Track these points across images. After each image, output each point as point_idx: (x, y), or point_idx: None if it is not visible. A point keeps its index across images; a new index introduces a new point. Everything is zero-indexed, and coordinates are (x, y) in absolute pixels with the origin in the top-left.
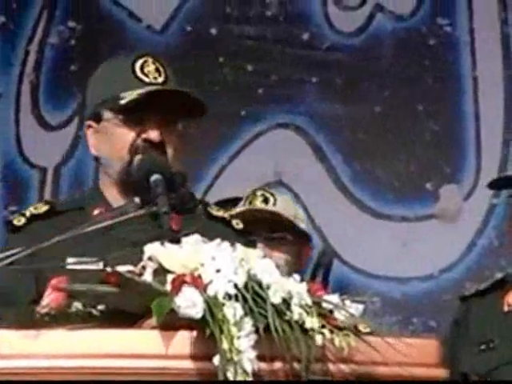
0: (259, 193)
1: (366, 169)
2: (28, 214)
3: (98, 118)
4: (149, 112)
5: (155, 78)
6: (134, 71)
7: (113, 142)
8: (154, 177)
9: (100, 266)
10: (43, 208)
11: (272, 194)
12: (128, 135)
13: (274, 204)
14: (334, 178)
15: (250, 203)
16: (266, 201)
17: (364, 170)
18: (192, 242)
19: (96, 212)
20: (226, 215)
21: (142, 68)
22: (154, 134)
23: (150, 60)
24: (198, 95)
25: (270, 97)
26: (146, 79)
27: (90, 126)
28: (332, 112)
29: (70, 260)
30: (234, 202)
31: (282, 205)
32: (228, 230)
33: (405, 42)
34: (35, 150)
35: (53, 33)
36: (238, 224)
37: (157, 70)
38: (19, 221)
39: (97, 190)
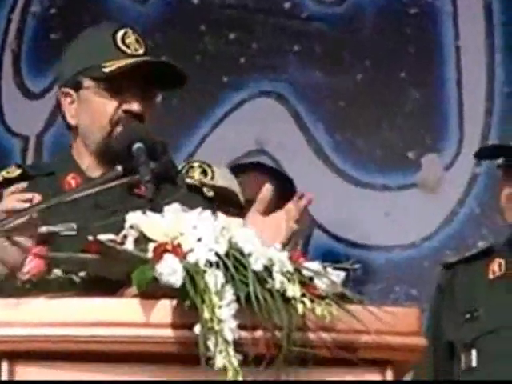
0: (196, 164)
1: (348, 138)
2: (0, 178)
3: (77, 87)
4: (130, 82)
5: (136, 50)
6: (115, 42)
7: (93, 111)
8: (136, 146)
9: (73, 233)
10: (16, 172)
11: (209, 166)
12: (109, 105)
13: (213, 177)
14: (315, 148)
15: (187, 174)
16: (204, 173)
17: (346, 140)
18: (173, 210)
19: (69, 178)
20: (197, 183)
21: (123, 39)
22: (135, 106)
23: (130, 31)
24: (180, 66)
25: (252, 66)
26: (128, 50)
27: (67, 94)
28: (313, 81)
29: (43, 229)
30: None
31: (221, 177)
32: (198, 197)
33: (386, 11)
34: (17, 119)
35: (34, 1)
36: (208, 191)
37: (137, 41)
38: None
39: (69, 157)
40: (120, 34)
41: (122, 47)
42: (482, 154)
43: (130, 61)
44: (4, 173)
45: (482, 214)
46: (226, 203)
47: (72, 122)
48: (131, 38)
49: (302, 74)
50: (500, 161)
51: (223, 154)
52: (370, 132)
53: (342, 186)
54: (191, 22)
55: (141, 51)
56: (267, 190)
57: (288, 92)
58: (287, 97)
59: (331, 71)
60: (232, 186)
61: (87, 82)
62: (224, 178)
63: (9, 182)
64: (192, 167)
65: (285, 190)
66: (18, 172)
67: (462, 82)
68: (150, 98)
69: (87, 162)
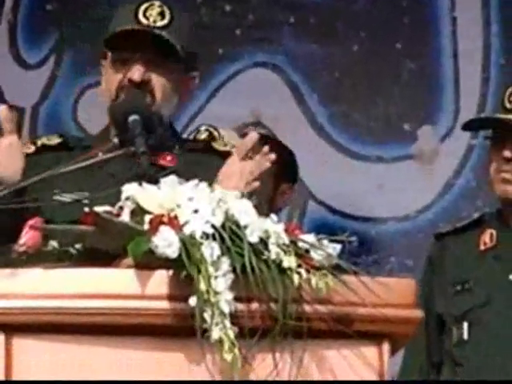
0: (203, 128)
1: (343, 110)
2: (39, 143)
3: (104, 56)
4: (135, 52)
5: (154, 22)
6: (136, 12)
7: (106, 80)
8: (132, 117)
9: (86, 201)
10: (56, 140)
11: (215, 129)
12: (116, 75)
13: (220, 139)
14: (310, 120)
15: (195, 138)
16: (210, 136)
17: (341, 112)
18: (169, 182)
19: (97, 150)
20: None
21: (145, 10)
22: (135, 74)
23: (157, 4)
24: (174, 40)
25: (248, 37)
26: (145, 21)
27: (101, 65)
28: (308, 53)
29: (57, 195)
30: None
31: (230, 138)
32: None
33: None
34: (13, 90)
35: None
36: (220, 146)
37: (160, 13)
38: (29, 148)
39: (105, 129)
40: (145, 5)
41: (141, 18)
42: (471, 126)
43: (126, 27)
44: (44, 139)
45: (478, 186)
46: None
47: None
48: (155, 11)
49: (298, 45)
50: (488, 133)
51: (219, 125)
52: (365, 104)
53: (337, 157)
54: None
55: (159, 23)
56: (251, 138)
57: (283, 63)
58: (283, 68)
59: (326, 43)
60: None
61: (107, 52)
62: (234, 139)
63: (47, 148)
64: (199, 131)
65: (287, 165)
66: (57, 140)
67: (457, 54)
68: (159, 67)
69: (112, 131)
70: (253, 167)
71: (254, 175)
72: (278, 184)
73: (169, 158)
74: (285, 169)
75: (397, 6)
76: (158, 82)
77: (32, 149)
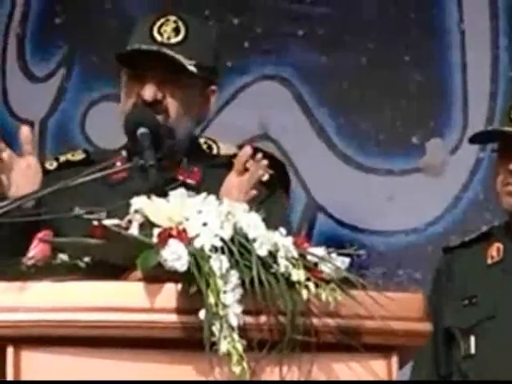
0: (202, 140)
1: (351, 122)
2: (62, 159)
3: (120, 71)
4: (147, 70)
5: (168, 38)
6: (151, 28)
7: (123, 96)
8: (141, 130)
9: (103, 216)
10: (80, 156)
11: (214, 142)
12: (132, 92)
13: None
14: (318, 131)
15: None
16: (209, 148)
17: (349, 123)
18: (178, 195)
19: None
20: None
21: (160, 26)
22: (146, 94)
23: (172, 19)
24: (183, 59)
25: (256, 50)
26: (159, 38)
27: (120, 82)
28: (317, 65)
29: (77, 210)
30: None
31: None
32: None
33: None
34: (22, 103)
35: None
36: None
37: (175, 29)
38: (51, 165)
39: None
40: (160, 21)
41: (155, 34)
42: (478, 139)
43: (136, 46)
44: (69, 155)
45: (486, 199)
46: None
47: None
48: (169, 27)
49: (306, 57)
50: (495, 146)
51: (227, 139)
52: (373, 116)
53: (345, 170)
54: (195, 7)
55: (173, 40)
56: (245, 152)
57: (291, 75)
58: (291, 80)
59: (334, 54)
60: None
61: (123, 70)
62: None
63: (70, 164)
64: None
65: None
66: (81, 156)
67: (466, 66)
68: (171, 83)
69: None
70: (249, 178)
71: (251, 184)
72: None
73: (189, 173)
74: (276, 178)
75: (405, 18)
76: (171, 99)
77: (54, 165)
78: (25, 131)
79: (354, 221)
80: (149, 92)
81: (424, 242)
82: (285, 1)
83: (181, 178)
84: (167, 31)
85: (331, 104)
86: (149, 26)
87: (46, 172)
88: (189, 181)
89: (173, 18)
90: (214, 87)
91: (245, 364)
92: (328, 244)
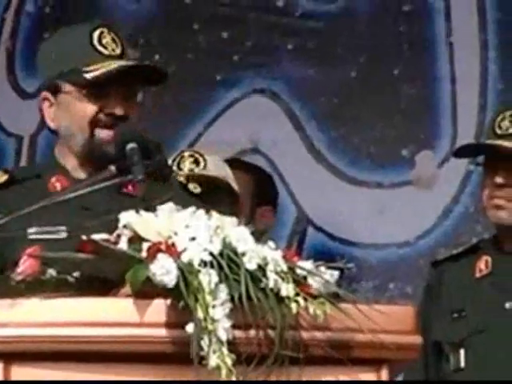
0: (187, 154)
1: (342, 135)
2: None
3: (55, 90)
4: (113, 86)
5: (113, 50)
6: (92, 43)
7: (72, 114)
8: (130, 145)
9: (63, 235)
10: (3, 177)
11: (201, 155)
12: (89, 108)
13: (205, 166)
14: (309, 145)
15: (179, 165)
16: (196, 162)
17: (339, 137)
18: (167, 209)
19: (53, 180)
20: (182, 179)
21: (99, 39)
22: (118, 109)
23: (106, 30)
24: (162, 66)
25: (246, 64)
26: (105, 51)
27: (45, 98)
28: (307, 79)
29: (32, 230)
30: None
31: (213, 166)
32: (185, 195)
33: (380, 8)
34: (11, 118)
35: (28, 1)
36: (195, 188)
37: (113, 40)
38: None
39: (54, 159)
40: (96, 34)
41: (100, 48)
42: (463, 153)
43: (112, 65)
44: None
45: (477, 212)
46: (217, 194)
47: (52, 125)
48: (108, 38)
49: (296, 71)
50: (479, 159)
51: (217, 153)
52: (363, 129)
53: (336, 183)
54: (184, 20)
55: (118, 51)
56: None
57: (282, 90)
58: (281, 94)
59: (325, 68)
60: (224, 174)
61: (67, 87)
62: (216, 166)
63: None
64: (182, 157)
65: (264, 186)
66: (4, 178)
67: (455, 79)
68: (133, 97)
69: (72, 164)
70: None
71: None
72: (257, 205)
73: (132, 186)
74: (262, 189)
75: (394, 32)
76: (131, 112)
77: None
78: None
79: (344, 234)
80: (120, 108)
81: (415, 255)
82: (275, 15)
83: (125, 190)
84: (109, 43)
85: (321, 118)
86: (87, 39)
87: None
88: (131, 192)
89: (104, 28)
90: None
91: (234, 378)
92: (318, 257)
